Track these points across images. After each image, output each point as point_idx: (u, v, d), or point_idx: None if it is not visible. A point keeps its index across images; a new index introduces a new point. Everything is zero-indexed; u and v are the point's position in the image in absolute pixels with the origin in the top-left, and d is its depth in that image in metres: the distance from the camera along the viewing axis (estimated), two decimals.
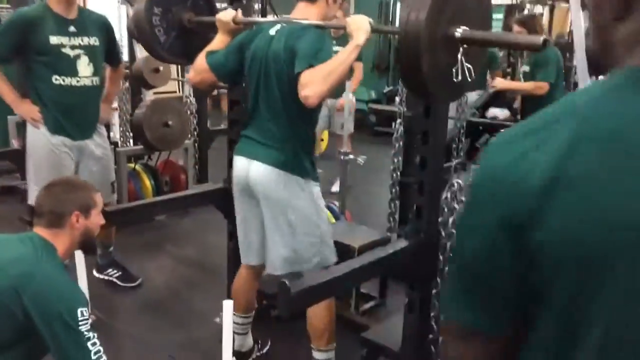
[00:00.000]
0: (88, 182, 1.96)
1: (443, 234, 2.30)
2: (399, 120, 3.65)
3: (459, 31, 1.66)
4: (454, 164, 2.38)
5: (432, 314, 2.28)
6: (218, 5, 2.77)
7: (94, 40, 2.92)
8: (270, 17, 2.81)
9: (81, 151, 2.98)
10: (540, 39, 1.57)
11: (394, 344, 2.24)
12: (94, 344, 1.58)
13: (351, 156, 3.51)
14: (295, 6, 2.22)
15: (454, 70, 1.69)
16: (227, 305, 1.55)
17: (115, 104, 5.21)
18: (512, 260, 0.69)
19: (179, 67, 6.18)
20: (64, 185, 1.87)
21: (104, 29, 3.02)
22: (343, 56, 1.93)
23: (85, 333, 1.56)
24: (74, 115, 2.91)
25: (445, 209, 2.30)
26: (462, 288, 0.76)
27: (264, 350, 2.65)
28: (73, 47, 2.84)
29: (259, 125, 2.19)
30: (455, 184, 2.32)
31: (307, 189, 2.16)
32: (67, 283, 1.65)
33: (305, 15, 2.14)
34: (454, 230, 2.31)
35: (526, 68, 4.42)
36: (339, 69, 1.92)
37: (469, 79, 1.73)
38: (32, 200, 2.92)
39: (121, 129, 5.08)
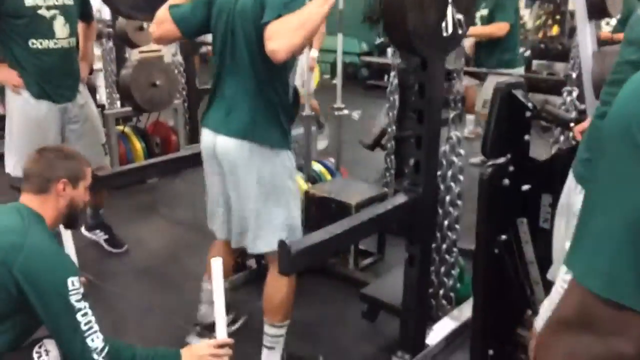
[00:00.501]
0: (82, 155, 1.89)
1: (442, 187, 2.27)
2: (392, 73, 3.57)
3: None
4: (451, 117, 2.32)
5: (432, 268, 2.28)
6: None
7: (68, 0, 2.81)
8: None
9: (65, 114, 2.90)
10: None
11: (394, 299, 2.24)
12: (84, 315, 1.54)
13: (345, 111, 3.44)
14: None
15: (442, 24, 1.59)
16: (216, 263, 1.50)
17: (99, 65, 5.10)
18: None
19: None
20: (57, 152, 1.81)
21: None
22: (315, 6, 1.76)
23: (75, 304, 1.53)
24: (54, 78, 2.81)
25: (444, 162, 2.27)
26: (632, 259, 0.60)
27: (236, 326, 2.51)
28: (49, 8, 2.72)
29: (225, 89, 2.02)
30: (454, 137, 2.28)
31: (277, 159, 2.00)
32: (56, 253, 1.60)
33: None
34: (452, 184, 2.29)
35: (484, 12, 4.31)
36: (311, 20, 1.74)
37: (461, 32, 1.65)
38: (10, 168, 2.86)
39: (107, 90, 4.97)
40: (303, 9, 1.76)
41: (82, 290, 1.55)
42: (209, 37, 4.46)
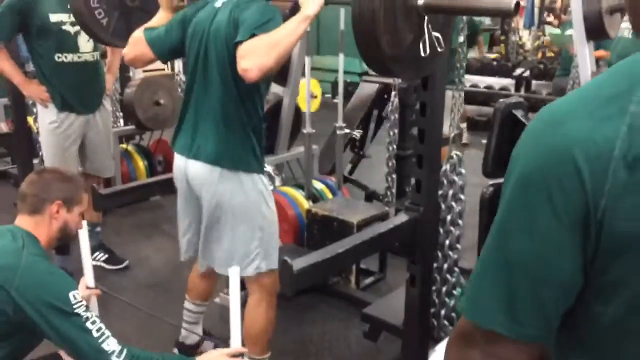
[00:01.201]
0: (81, 179, 1.92)
1: (443, 206, 2.28)
2: (393, 93, 3.60)
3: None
4: (452, 135, 2.34)
5: (433, 288, 2.27)
6: None
7: None
8: None
9: (87, 124, 3.05)
10: (511, 3, 1.39)
11: (396, 319, 2.24)
12: (93, 322, 1.54)
13: (347, 130, 3.46)
14: None
15: (420, 43, 1.51)
16: (234, 271, 1.52)
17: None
18: (581, 257, 0.61)
19: None
20: (55, 174, 1.82)
21: None
22: (291, 27, 1.70)
23: (83, 314, 1.53)
24: (78, 91, 2.96)
25: (445, 182, 2.28)
26: (505, 291, 0.65)
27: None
28: (73, 24, 2.82)
29: (195, 111, 1.97)
30: (454, 156, 2.29)
31: (249, 184, 1.95)
32: (51, 271, 1.60)
33: None
34: (453, 203, 2.29)
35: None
36: (286, 40, 1.68)
37: (439, 49, 1.56)
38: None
39: (112, 108, 4.99)
40: (278, 29, 1.71)
41: (84, 302, 1.55)
42: None
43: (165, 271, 3.29)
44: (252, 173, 1.96)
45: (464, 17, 2.21)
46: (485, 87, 6.48)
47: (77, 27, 2.81)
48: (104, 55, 3.18)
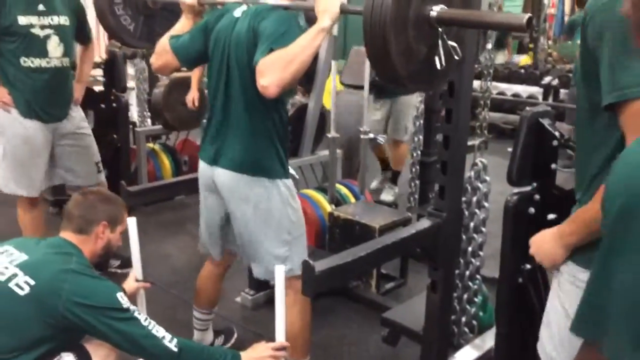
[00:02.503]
0: (121, 199, 1.98)
1: (466, 213, 2.27)
2: (419, 99, 3.60)
3: (436, 10, 1.45)
4: (477, 143, 2.33)
5: (455, 295, 2.26)
6: None
7: (64, 20, 2.80)
8: None
9: (55, 133, 2.89)
10: (523, 18, 1.35)
11: (416, 324, 2.23)
12: (145, 319, 1.66)
13: (371, 135, 3.47)
14: None
15: (436, 57, 1.48)
16: (279, 270, 1.58)
17: (132, 83, 5.21)
18: None
19: None
20: (99, 195, 1.90)
21: (74, 7, 2.89)
22: (306, 40, 1.72)
23: (134, 312, 1.64)
24: (45, 98, 2.80)
25: (469, 188, 2.27)
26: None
27: (229, 344, 2.54)
28: (43, 27, 2.72)
29: (219, 119, 2.00)
30: (479, 163, 2.29)
31: (274, 190, 1.98)
32: (97, 277, 1.69)
33: None
34: (477, 210, 2.28)
35: None
36: (302, 54, 1.70)
37: (456, 57, 1.53)
38: (8, 188, 2.83)
39: (139, 108, 5.09)
40: (294, 43, 1.73)
41: (128, 301, 1.67)
42: None
43: (188, 271, 3.32)
44: (277, 179, 1.99)
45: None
46: (513, 95, 6.42)
47: (47, 31, 2.73)
48: (73, 67, 3.01)
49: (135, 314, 1.65)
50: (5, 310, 1.58)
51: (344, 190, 3.43)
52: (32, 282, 1.58)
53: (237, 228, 2.06)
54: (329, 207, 3.17)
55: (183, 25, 2.13)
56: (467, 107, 2.01)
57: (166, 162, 4.34)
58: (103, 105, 3.73)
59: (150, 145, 4.39)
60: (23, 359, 1.58)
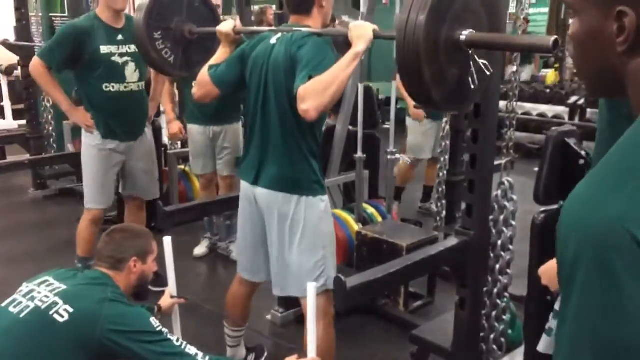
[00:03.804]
0: (148, 230, 2.09)
1: (494, 231, 2.30)
2: (445, 119, 3.65)
3: (465, 34, 1.50)
4: (504, 162, 2.37)
5: (483, 312, 2.29)
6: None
7: None
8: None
9: (129, 151, 3.14)
10: (550, 40, 1.39)
11: (445, 342, 2.26)
12: (177, 340, 1.75)
13: (398, 155, 3.52)
14: (290, 19, 2.14)
15: (469, 77, 1.54)
16: (311, 287, 1.64)
17: (163, 107, 5.38)
18: None
19: None
20: (124, 232, 1.99)
21: None
22: (342, 65, 1.82)
23: (167, 335, 1.73)
24: (123, 119, 3.06)
25: (496, 207, 2.31)
26: None
27: None
28: (121, 55, 2.98)
29: (258, 140, 2.09)
30: (506, 182, 2.32)
31: (311, 206, 2.06)
32: (130, 305, 1.79)
33: (303, 26, 2.05)
34: (504, 229, 2.31)
35: None
36: (339, 78, 1.80)
37: (488, 73, 1.57)
38: (87, 203, 3.13)
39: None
40: (332, 69, 1.82)
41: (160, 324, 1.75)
42: None
43: (219, 290, 3.39)
44: (314, 196, 2.07)
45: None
46: (538, 115, 6.41)
47: (125, 59, 2.97)
48: (148, 84, 3.28)
49: (168, 336, 1.74)
50: (45, 337, 1.64)
51: (370, 209, 3.48)
52: (71, 310, 1.65)
53: (272, 246, 2.13)
54: (356, 227, 3.22)
55: (221, 54, 2.23)
56: (494, 128, 2.06)
57: (197, 183, 4.44)
58: None
59: (182, 167, 4.51)
60: None
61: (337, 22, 4.36)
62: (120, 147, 3.09)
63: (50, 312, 1.65)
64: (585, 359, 0.65)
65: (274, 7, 4.87)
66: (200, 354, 1.75)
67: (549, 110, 6.50)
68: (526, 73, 7.54)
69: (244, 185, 2.19)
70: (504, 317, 2.35)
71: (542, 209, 1.86)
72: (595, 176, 0.69)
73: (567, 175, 1.85)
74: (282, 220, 2.06)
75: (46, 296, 1.69)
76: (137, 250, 1.92)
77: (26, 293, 1.74)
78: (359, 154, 3.30)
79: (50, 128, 5.11)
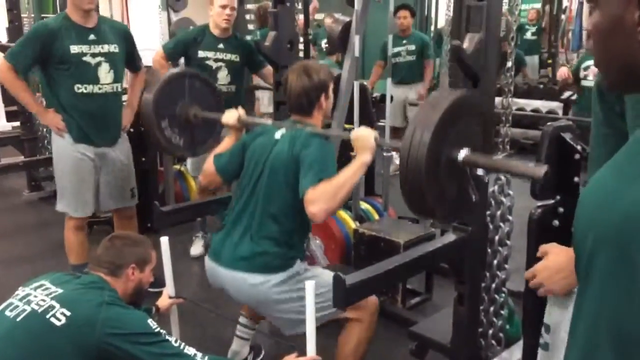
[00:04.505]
0: (148, 240, 2.09)
1: (491, 227, 2.31)
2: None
3: (462, 153, 1.61)
4: (501, 157, 2.37)
5: (481, 307, 2.29)
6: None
7: (113, 47, 2.98)
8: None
9: (103, 158, 3.03)
10: (542, 171, 1.51)
11: (443, 338, 2.26)
12: (175, 340, 1.76)
13: (393, 152, 3.52)
14: (290, 118, 2.24)
15: (468, 191, 1.65)
16: (310, 285, 1.66)
17: None
18: None
19: None
20: (125, 240, 2.01)
21: (123, 35, 3.09)
22: (351, 172, 1.94)
23: (165, 336, 1.74)
24: (96, 122, 2.97)
25: (493, 202, 2.31)
26: None
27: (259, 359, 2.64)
28: (94, 55, 2.91)
29: (246, 224, 2.10)
30: (502, 178, 2.33)
31: (287, 281, 2.05)
32: (127, 307, 1.79)
33: (306, 124, 2.15)
34: (501, 224, 2.32)
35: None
36: (347, 184, 1.91)
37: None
38: (63, 208, 3.04)
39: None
40: (340, 176, 1.93)
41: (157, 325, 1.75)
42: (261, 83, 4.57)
43: (216, 290, 3.39)
44: (292, 267, 2.07)
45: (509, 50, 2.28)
46: (532, 110, 6.44)
47: (98, 59, 2.91)
48: (124, 92, 3.22)
49: (167, 337, 1.75)
50: (43, 341, 1.64)
51: (367, 207, 3.49)
52: (68, 314, 1.66)
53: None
54: (353, 224, 3.23)
55: (226, 143, 2.34)
56: (492, 123, 2.06)
57: (192, 183, 4.44)
58: (132, 129, 3.84)
59: (177, 166, 4.50)
60: None
61: (330, 19, 4.36)
62: (94, 153, 2.98)
63: (47, 316, 1.65)
64: (603, 351, 0.64)
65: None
66: (199, 354, 1.75)
67: (542, 105, 6.52)
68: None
69: (210, 264, 2.19)
70: (502, 312, 2.36)
71: (539, 204, 1.86)
72: (614, 167, 0.68)
73: (563, 170, 1.86)
74: (253, 302, 2.14)
75: (43, 300, 1.69)
76: (136, 257, 1.93)
77: (22, 297, 1.73)
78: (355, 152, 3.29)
79: (45, 130, 5.07)
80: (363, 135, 1.96)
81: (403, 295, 3.03)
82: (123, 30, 3.15)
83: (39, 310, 1.66)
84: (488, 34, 1.88)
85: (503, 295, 2.35)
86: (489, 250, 2.30)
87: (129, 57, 3.12)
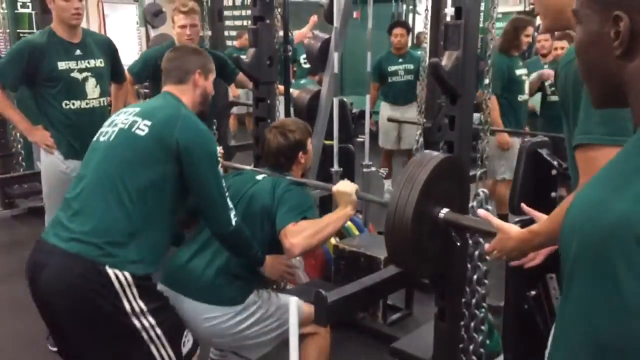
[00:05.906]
0: (205, 52, 2.18)
1: (470, 242, 2.32)
2: (418, 132, 3.69)
3: (443, 212, 1.72)
4: (479, 173, 2.40)
5: (462, 323, 2.30)
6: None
7: (99, 62, 2.97)
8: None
9: None
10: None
11: (425, 354, 2.26)
12: (223, 179, 1.86)
13: (373, 168, 3.54)
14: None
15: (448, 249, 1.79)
16: (293, 302, 1.66)
17: None
18: None
19: None
20: (186, 49, 2.14)
21: (108, 48, 3.07)
22: (334, 218, 2.01)
23: (220, 171, 1.85)
24: (84, 137, 2.81)
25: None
26: None
27: None
28: (80, 71, 2.89)
29: (206, 252, 2.02)
30: (481, 193, 2.35)
31: (242, 313, 1.98)
32: (204, 126, 1.88)
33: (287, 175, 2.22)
34: (481, 239, 2.34)
35: None
36: (328, 228, 1.97)
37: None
38: (47, 221, 2.92)
39: None
40: (323, 219, 2.00)
41: None
42: (242, 98, 4.60)
43: None
44: (247, 297, 2.00)
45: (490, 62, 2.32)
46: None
47: (85, 74, 2.89)
48: (109, 105, 3.17)
49: (220, 172, 1.85)
50: (137, 150, 1.79)
51: (347, 223, 3.48)
52: (149, 123, 1.81)
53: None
54: (333, 240, 3.21)
55: None
56: (469, 140, 2.09)
57: None
58: None
59: None
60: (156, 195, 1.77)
61: (310, 35, 4.39)
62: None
63: (133, 130, 1.81)
64: (581, 357, 0.65)
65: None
66: (234, 212, 1.86)
67: None
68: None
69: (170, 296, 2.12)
70: (483, 327, 2.37)
71: (517, 218, 1.88)
72: (601, 178, 0.71)
73: (541, 185, 1.89)
74: (208, 336, 2.04)
75: (126, 119, 1.87)
76: (201, 64, 2.01)
77: (109, 123, 1.94)
78: (335, 167, 3.30)
79: (19, 146, 4.99)
80: (345, 192, 2.05)
81: (383, 310, 3.02)
82: (107, 43, 3.12)
83: (125, 127, 1.84)
84: (465, 52, 1.90)
85: (483, 310, 2.36)
86: (469, 265, 2.31)
87: (113, 70, 3.11)
